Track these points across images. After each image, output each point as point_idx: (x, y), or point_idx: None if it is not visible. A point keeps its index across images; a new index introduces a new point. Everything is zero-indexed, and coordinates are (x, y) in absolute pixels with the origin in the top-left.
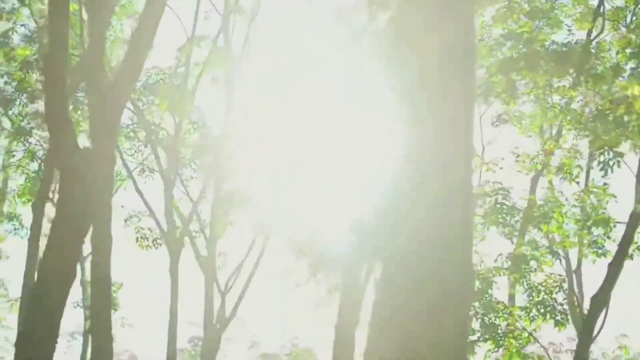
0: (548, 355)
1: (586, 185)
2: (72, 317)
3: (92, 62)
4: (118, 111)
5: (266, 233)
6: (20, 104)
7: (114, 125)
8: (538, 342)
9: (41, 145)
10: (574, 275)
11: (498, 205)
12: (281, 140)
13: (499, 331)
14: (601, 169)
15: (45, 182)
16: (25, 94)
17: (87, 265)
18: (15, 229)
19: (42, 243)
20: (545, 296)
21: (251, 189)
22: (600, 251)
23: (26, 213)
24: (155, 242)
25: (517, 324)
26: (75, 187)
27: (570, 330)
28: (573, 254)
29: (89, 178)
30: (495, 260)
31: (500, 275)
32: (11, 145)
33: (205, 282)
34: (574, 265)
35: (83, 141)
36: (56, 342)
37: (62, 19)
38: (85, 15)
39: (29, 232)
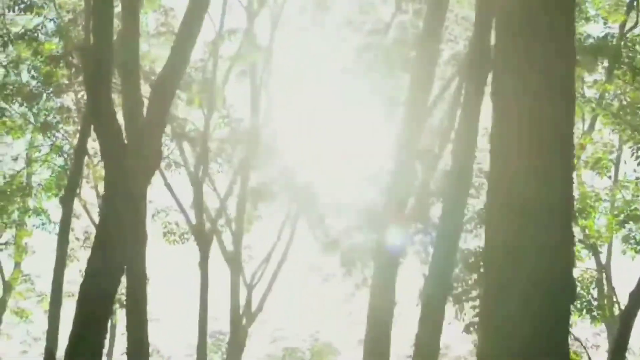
0: (587, 352)
1: (616, 179)
2: None
3: (129, 57)
4: (166, 106)
5: (293, 227)
6: (46, 98)
7: (161, 120)
8: (575, 337)
9: (67, 139)
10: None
11: None
12: (310, 133)
13: None
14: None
15: (73, 177)
16: (51, 88)
17: None
18: (42, 224)
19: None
20: (582, 291)
21: (279, 182)
22: (639, 247)
23: (51, 208)
24: (182, 237)
25: None
26: (121, 183)
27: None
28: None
29: (134, 173)
30: None
31: None
32: (33, 140)
33: (231, 276)
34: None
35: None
36: (105, 338)
37: (106, 11)
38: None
39: (55, 226)
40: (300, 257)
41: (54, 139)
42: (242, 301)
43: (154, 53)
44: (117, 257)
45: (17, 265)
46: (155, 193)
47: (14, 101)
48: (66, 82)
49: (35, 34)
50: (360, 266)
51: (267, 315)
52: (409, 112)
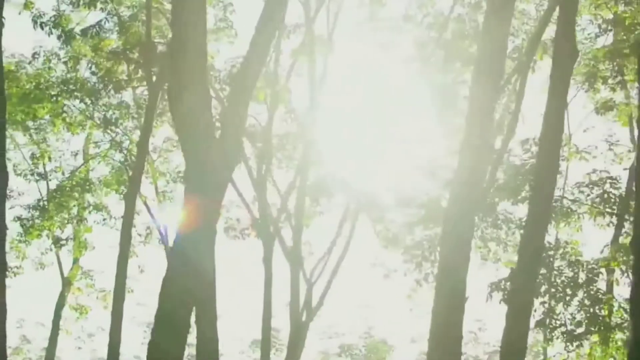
0: None
1: None
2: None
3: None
4: (246, 100)
5: (353, 222)
6: (106, 94)
7: (243, 114)
8: None
9: (126, 135)
10: None
11: (606, 195)
12: (369, 127)
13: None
14: None
15: (135, 173)
16: (111, 84)
17: None
18: (103, 220)
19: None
20: None
21: (339, 177)
22: None
23: (110, 204)
24: (243, 233)
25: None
26: (207, 178)
27: None
28: None
29: (220, 169)
30: (601, 252)
31: (610, 266)
32: (91, 136)
33: (291, 272)
34: None
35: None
36: (188, 333)
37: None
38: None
39: (116, 222)
40: (361, 252)
41: (114, 135)
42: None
43: (212, 49)
44: (201, 253)
45: (76, 261)
46: None
47: (74, 97)
48: (125, 78)
49: (98, 30)
50: (422, 262)
51: (324, 311)
52: (475, 106)
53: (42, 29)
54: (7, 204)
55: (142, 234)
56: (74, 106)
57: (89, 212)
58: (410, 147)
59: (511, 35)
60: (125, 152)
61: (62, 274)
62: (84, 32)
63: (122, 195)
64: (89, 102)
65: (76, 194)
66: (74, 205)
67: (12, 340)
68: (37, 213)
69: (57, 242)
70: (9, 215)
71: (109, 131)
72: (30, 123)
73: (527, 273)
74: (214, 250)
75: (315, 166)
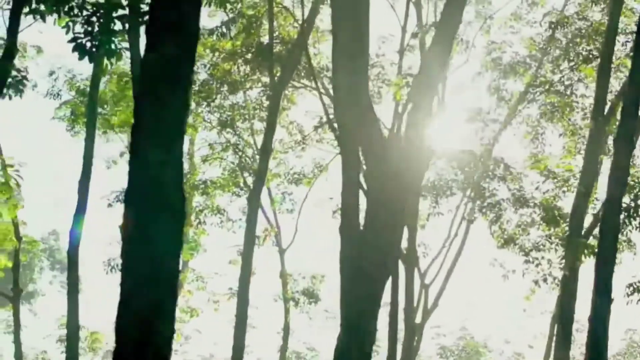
0: None
1: None
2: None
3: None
4: (432, 98)
5: (468, 222)
6: (222, 95)
7: (428, 113)
8: None
9: (240, 137)
10: None
11: None
12: (484, 128)
13: None
14: None
15: (259, 176)
16: (226, 85)
17: (287, 256)
18: (220, 222)
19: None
20: None
21: (454, 177)
22: None
23: (223, 206)
24: None
25: None
26: (390, 180)
27: None
28: None
29: (404, 171)
30: None
31: None
32: (194, 138)
33: (405, 273)
34: None
35: None
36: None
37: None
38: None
39: (233, 224)
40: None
41: (230, 137)
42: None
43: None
44: (385, 253)
45: (185, 264)
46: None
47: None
48: (241, 79)
49: (224, 31)
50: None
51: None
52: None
53: None
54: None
55: (259, 236)
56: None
57: (205, 215)
58: (526, 146)
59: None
60: (240, 153)
61: None
62: (210, 32)
63: (244, 196)
64: (204, 103)
65: (194, 196)
66: (191, 208)
67: None
68: None
69: None
70: None
71: (224, 133)
72: None
73: None
74: None
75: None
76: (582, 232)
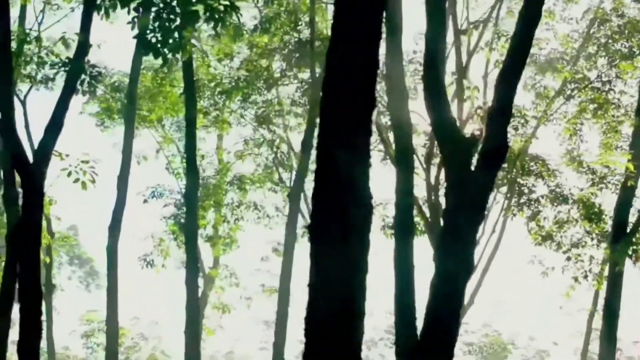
0: None
1: None
2: None
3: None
4: (514, 91)
5: (505, 219)
6: (257, 92)
7: (510, 107)
8: None
9: (274, 132)
10: None
11: None
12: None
13: None
14: None
15: (300, 172)
16: (262, 81)
17: None
18: (258, 218)
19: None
20: None
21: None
22: None
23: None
24: None
25: None
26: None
27: None
28: None
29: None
30: None
31: None
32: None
33: None
34: None
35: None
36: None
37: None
38: None
39: (269, 220)
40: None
41: (267, 132)
42: None
43: None
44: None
45: (216, 260)
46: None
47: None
48: (278, 75)
49: (267, 26)
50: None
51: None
52: None
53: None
54: (161, 202)
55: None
56: (226, 105)
57: (243, 210)
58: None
59: None
60: (275, 149)
61: (203, 271)
62: (254, 28)
63: (284, 194)
64: (240, 99)
65: (230, 191)
66: (227, 204)
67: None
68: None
69: (210, 239)
70: (164, 212)
71: (260, 129)
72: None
73: None
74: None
75: None
76: (627, 229)
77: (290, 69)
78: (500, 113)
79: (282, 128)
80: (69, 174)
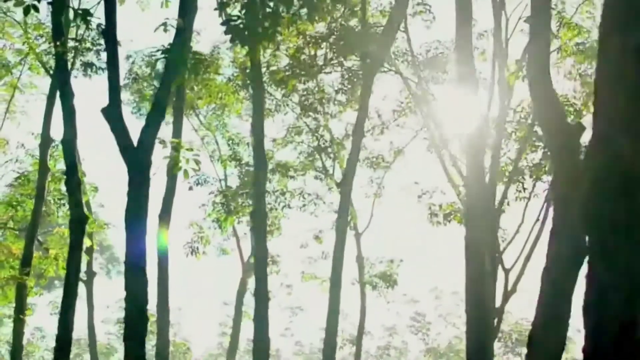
0: None
1: None
2: None
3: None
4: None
5: (547, 207)
6: (301, 80)
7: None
8: None
9: (318, 121)
10: None
11: None
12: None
13: None
14: None
15: (351, 162)
16: (303, 71)
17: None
18: (303, 205)
19: None
20: None
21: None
22: None
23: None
24: (446, 219)
25: None
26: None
27: None
28: None
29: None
30: None
31: None
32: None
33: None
34: None
35: None
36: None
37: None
38: None
39: (315, 208)
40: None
41: (309, 120)
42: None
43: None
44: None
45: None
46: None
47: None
48: (320, 63)
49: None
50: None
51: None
52: None
53: None
54: (206, 189)
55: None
56: (269, 93)
57: (286, 198)
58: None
59: None
60: (318, 137)
61: (242, 260)
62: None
63: (329, 182)
64: (283, 87)
65: (275, 179)
66: (273, 191)
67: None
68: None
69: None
70: (203, 200)
71: (305, 116)
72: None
73: None
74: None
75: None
76: None
77: (337, 57)
78: None
79: (325, 116)
80: (176, 163)
